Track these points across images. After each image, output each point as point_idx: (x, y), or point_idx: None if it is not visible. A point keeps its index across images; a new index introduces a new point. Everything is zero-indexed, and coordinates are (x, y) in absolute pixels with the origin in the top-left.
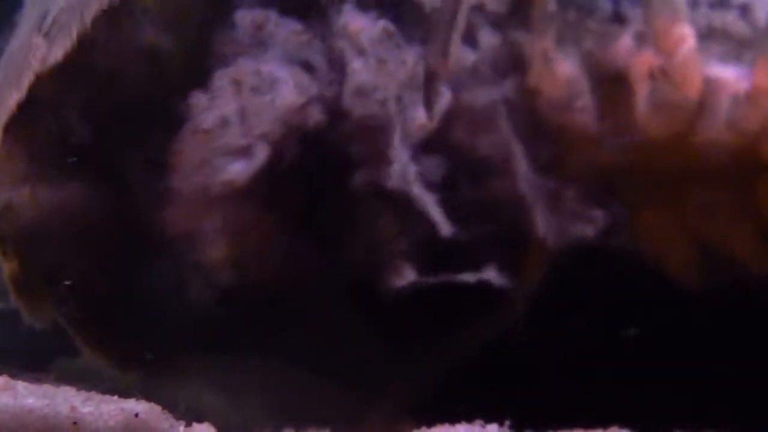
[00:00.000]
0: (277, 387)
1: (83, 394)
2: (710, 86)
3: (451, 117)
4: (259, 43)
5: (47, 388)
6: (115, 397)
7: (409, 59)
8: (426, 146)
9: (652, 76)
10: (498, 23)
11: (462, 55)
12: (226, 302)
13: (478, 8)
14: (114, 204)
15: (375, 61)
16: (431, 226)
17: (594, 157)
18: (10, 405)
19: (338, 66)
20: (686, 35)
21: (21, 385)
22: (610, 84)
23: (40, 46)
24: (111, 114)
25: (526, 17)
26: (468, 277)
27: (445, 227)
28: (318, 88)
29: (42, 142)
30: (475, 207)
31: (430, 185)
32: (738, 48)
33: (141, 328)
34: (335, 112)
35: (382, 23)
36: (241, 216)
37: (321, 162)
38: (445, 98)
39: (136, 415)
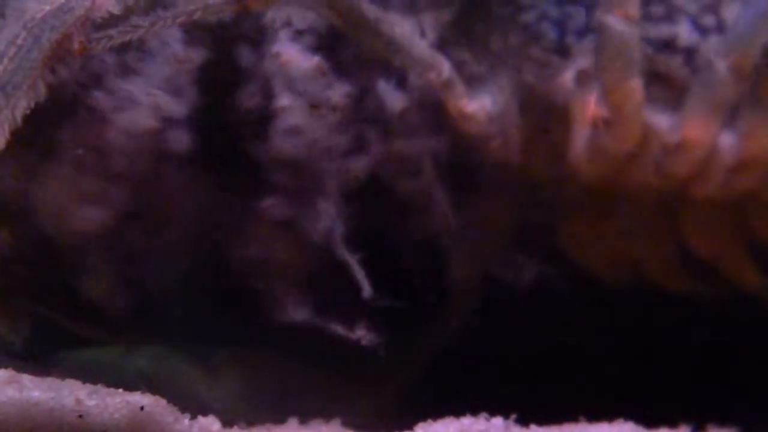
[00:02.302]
0: None
1: (88, 387)
2: (645, 134)
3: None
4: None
5: (52, 381)
6: (121, 390)
7: (340, 102)
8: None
9: (594, 124)
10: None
11: (392, 101)
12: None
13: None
14: None
15: (306, 105)
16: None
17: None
18: (15, 398)
19: (263, 91)
20: (636, 89)
21: (26, 378)
22: (544, 116)
23: None
24: None
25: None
26: (338, 328)
27: (366, 289)
28: (186, 109)
29: None
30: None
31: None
32: (679, 93)
33: None
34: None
35: (316, 59)
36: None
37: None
38: (375, 145)
39: (142, 408)
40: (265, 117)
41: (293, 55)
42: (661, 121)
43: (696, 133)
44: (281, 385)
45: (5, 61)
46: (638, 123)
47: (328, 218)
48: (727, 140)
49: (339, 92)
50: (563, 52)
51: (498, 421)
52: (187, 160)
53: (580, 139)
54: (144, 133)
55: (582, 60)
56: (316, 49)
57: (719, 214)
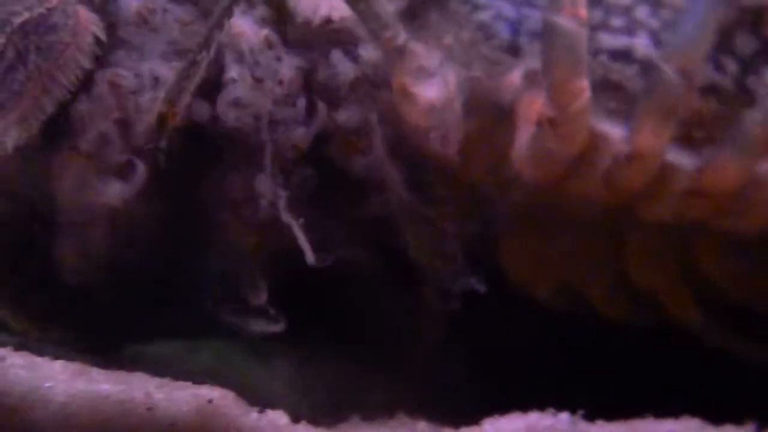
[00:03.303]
0: None
1: (157, 380)
2: (594, 141)
3: (326, 135)
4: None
5: (121, 374)
6: (189, 383)
7: (287, 75)
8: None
9: (539, 123)
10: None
11: (343, 70)
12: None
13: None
14: None
15: (251, 78)
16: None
17: (457, 188)
18: (85, 390)
19: (216, 64)
20: (582, 90)
21: (95, 371)
22: (490, 115)
23: None
24: None
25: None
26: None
27: (310, 255)
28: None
29: None
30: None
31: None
32: (632, 103)
33: None
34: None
35: (265, 32)
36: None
37: (201, 157)
38: (320, 116)
39: (210, 401)
40: (214, 88)
41: (244, 28)
42: (612, 130)
43: (646, 142)
44: (336, 379)
45: None
46: (584, 125)
47: (269, 188)
48: (687, 163)
49: (288, 65)
50: (515, 51)
51: (565, 416)
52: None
53: (523, 139)
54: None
55: (533, 61)
56: (268, 22)
57: (665, 242)
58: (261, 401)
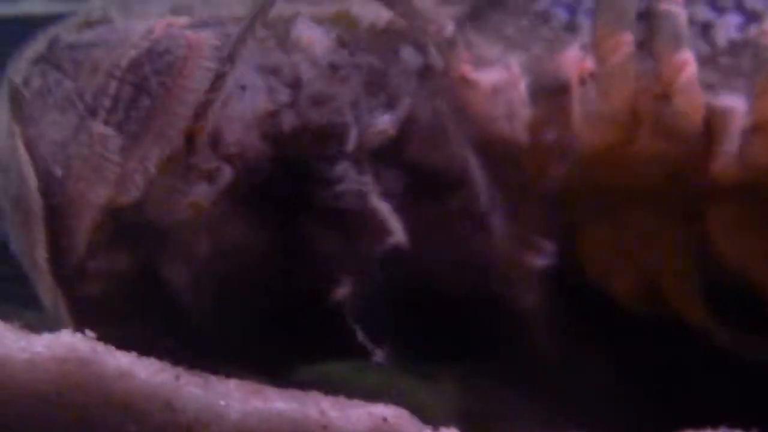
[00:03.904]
0: None
1: (330, 398)
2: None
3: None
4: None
5: (295, 393)
6: (362, 402)
7: (365, 63)
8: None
9: (581, 80)
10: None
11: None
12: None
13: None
14: None
15: (328, 68)
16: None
17: (531, 172)
18: (260, 408)
19: (294, 79)
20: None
21: (269, 389)
22: (553, 92)
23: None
24: None
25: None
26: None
27: (399, 235)
28: (289, 93)
29: None
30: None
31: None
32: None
33: None
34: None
35: (336, 33)
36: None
37: (290, 170)
38: (404, 104)
39: (385, 419)
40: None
41: (314, 35)
42: (735, 102)
43: None
44: (499, 401)
45: None
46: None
47: (355, 169)
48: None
49: (363, 60)
50: (572, 30)
51: None
52: None
53: (576, 103)
54: None
55: (589, 35)
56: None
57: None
58: (429, 421)
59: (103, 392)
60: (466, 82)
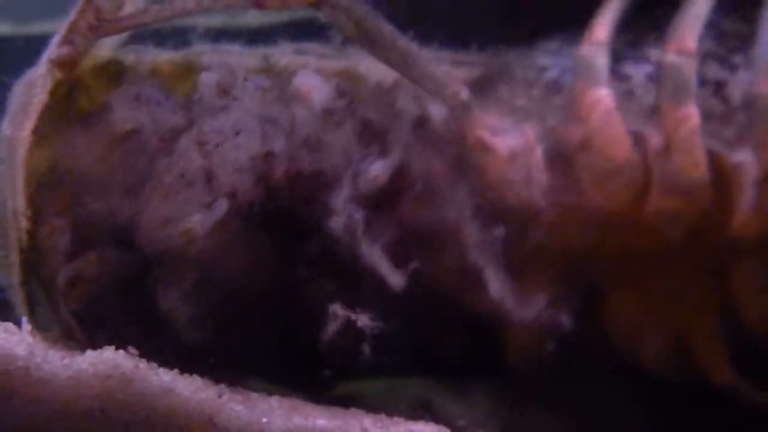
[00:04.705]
0: None
1: (372, 415)
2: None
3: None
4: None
5: (336, 410)
6: (402, 419)
7: (360, 111)
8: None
9: (581, 146)
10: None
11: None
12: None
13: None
14: None
15: (322, 113)
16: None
17: (549, 236)
18: (303, 425)
19: (290, 127)
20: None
21: (310, 407)
22: (568, 159)
23: None
24: None
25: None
26: None
27: (394, 279)
28: (285, 142)
29: None
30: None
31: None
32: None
33: None
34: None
35: (335, 82)
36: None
37: (282, 214)
38: (397, 153)
39: None
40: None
41: (312, 84)
42: (744, 157)
43: None
44: (533, 417)
45: None
46: (698, 150)
47: (347, 213)
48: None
49: (361, 113)
50: None
51: None
52: None
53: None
54: None
55: None
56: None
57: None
58: None
59: (147, 409)
60: (483, 146)
